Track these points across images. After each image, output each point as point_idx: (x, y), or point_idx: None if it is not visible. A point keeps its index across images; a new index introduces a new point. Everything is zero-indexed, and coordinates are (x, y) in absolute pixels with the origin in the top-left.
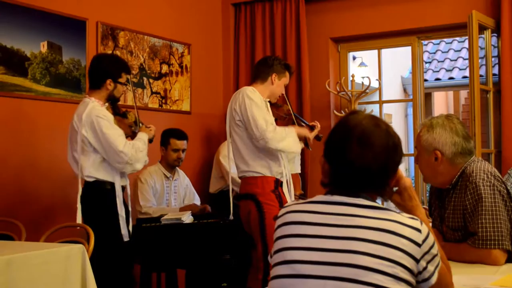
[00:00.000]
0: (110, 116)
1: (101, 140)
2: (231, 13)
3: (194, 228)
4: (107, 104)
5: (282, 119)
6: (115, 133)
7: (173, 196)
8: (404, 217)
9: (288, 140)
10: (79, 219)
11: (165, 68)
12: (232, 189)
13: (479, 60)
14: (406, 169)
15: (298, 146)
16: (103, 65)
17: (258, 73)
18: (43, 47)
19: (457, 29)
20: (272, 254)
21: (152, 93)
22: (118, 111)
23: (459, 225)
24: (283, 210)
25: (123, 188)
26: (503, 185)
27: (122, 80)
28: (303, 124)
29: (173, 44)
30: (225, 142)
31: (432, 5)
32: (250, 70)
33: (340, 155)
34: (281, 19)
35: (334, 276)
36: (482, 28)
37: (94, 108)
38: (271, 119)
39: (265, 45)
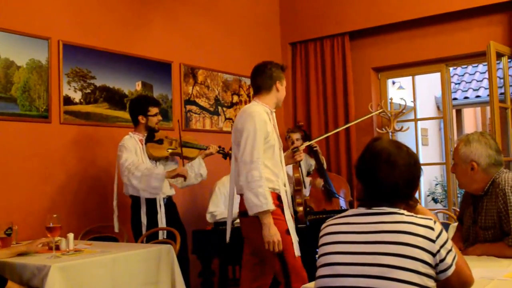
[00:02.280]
0: (130, 142)
1: (117, 159)
2: (289, 51)
3: None
4: (146, 134)
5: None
6: (123, 151)
7: None
8: (418, 218)
9: None
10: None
11: (235, 98)
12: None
13: (499, 81)
14: (436, 177)
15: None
16: (132, 107)
17: (262, 84)
18: (138, 86)
19: (478, 56)
20: (317, 258)
21: (226, 119)
22: (151, 139)
23: (490, 225)
24: (325, 224)
25: (168, 199)
26: None
27: (151, 113)
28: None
29: (242, 79)
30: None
31: (457, 37)
32: (306, 98)
33: (372, 175)
34: (330, 54)
35: (365, 275)
36: (499, 55)
37: (122, 140)
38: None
39: (317, 76)
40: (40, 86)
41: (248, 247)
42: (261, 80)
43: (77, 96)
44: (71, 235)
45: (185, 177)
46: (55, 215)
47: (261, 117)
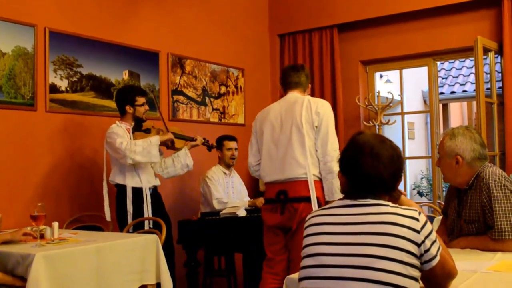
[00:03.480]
0: (119, 130)
1: (109, 147)
2: (277, 43)
3: (247, 220)
4: (133, 123)
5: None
6: (114, 137)
7: (231, 190)
8: (403, 209)
9: None
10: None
11: (223, 89)
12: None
13: (486, 76)
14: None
15: None
16: (119, 97)
17: (302, 81)
18: (125, 75)
19: (466, 51)
20: (302, 249)
21: (213, 109)
22: (139, 128)
23: (474, 219)
24: (310, 215)
25: (153, 189)
26: None
27: (138, 102)
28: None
29: (230, 69)
30: None
31: (444, 32)
32: None
33: (356, 168)
34: (318, 47)
35: (350, 265)
36: (486, 51)
37: (109, 128)
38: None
39: None
40: (26, 74)
41: (283, 239)
42: (301, 77)
43: (63, 84)
44: (56, 224)
45: (173, 142)
46: (40, 204)
47: None
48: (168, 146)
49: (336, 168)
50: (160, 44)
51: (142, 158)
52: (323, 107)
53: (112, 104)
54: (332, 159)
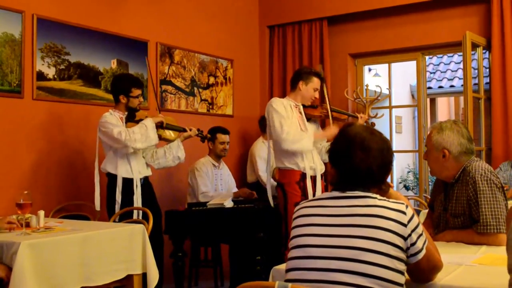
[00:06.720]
0: (112, 118)
1: (104, 136)
2: (267, 34)
3: (234, 211)
4: (126, 113)
5: (317, 118)
6: (110, 127)
7: (219, 182)
8: (390, 202)
9: (302, 142)
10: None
11: (212, 80)
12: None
13: (473, 71)
14: (408, 164)
15: (311, 146)
16: (115, 84)
17: (291, 83)
18: (113, 64)
19: (454, 46)
20: (290, 240)
21: (201, 100)
22: (131, 119)
23: (460, 212)
24: (299, 206)
25: (144, 179)
26: (498, 179)
27: (133, 94)
28: (342, 119)
29: (219, 60)
30: (258, 139)
31: (434, 26)
32: (282, 81)
33: (346, 160)
34: (307, 39)
35: (336, 257)
36: (474, 46)
37: (102, 116)
38: (293, 124)
39: (294, 60)
40: (13, 61)
41: None
42: (291, 80)
43: (50, 72)
44: (41, 213)
45: (162, 124)
46: (26, 192)
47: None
48: (162, 127)
49: (285, 146)
50: (149, 33)
51: (143, 144)
52: (265, 111)
53: (99, 92)
54: (278, 147)
